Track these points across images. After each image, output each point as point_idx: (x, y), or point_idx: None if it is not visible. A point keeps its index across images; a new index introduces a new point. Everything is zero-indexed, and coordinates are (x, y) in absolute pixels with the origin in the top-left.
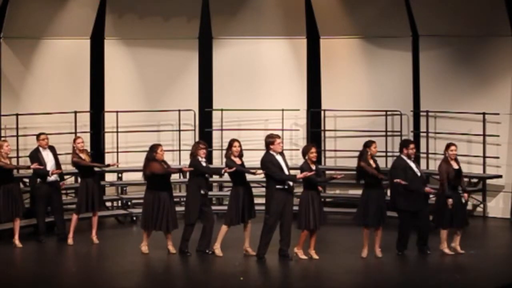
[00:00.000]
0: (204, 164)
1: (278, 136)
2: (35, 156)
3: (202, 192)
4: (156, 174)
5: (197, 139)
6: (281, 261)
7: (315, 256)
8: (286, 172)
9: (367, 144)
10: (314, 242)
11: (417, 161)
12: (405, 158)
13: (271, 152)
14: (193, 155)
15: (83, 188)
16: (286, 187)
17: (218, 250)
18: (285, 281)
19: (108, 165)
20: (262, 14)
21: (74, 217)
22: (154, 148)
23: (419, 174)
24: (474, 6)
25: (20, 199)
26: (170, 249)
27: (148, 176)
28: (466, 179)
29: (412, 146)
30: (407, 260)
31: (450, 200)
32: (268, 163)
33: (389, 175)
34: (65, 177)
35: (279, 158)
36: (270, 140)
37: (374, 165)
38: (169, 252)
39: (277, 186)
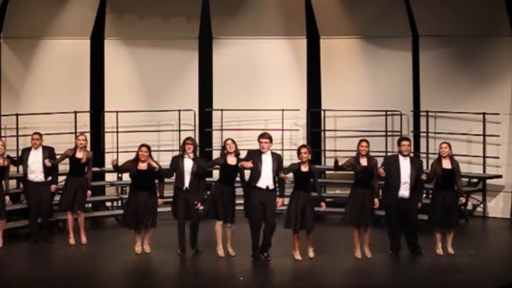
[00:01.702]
0: (189, 160)
1: (264, 135)
2: (22, 155)
3: (178, 188)
4: (132, 174)
5: (197, 139)
6: (281, 261)
7: (311, 255)
8: (264, 172)
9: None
10: (310, 241)
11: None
12: (399, 155)
13: (260, 150)
14: (182, 150)
15: (66, 185)
16: (263, 187)
17: (220, 251)
18: (285, 281)
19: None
20: (262, 14)
21: (68, 215)
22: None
23: (405, 173)
24: (474, 6)
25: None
26: (145, 248)
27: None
28: (465, 179)
29: (403, 143)
30: (406, 260)
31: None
32: (246, 157)
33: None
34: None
35: (264, 157)
36: (258, 138)
37: (365, 164)
38: (143, 251)
39: (251, 184)
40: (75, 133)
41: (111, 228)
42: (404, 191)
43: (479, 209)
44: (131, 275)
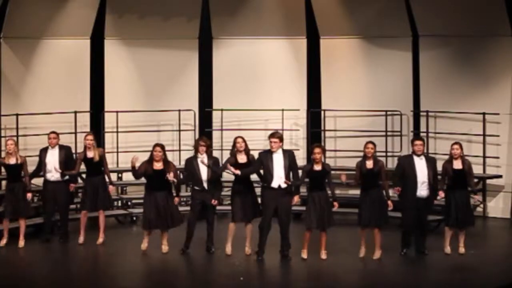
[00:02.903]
0: (203, 160)
1: (273, 135)
2: (40, 155)
3: (196, 188)
4: (148, 175)
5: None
6: (281, 261)
7: (323, 257)
8: (276, 171)
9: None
10: (324, 242)
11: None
12: (413, 155)
13: (270, 149)
14: (195, 151)
15: (86, 186)
16: (275, 186)
17: (228, 249)
18: (285, 281)
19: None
20: (262, 14)
21: (81, 214)
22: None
23: (422, 172)
24: (474, 6)
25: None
26: (163, 248)
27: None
28: None
29: (415, 142)
30: (406, 260)
31: (441, 193)
32: (256, 160)
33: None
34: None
35: (275, 156)
36: (268, 137)
37: (371, 166)
38: (162, 251)
39: (264, 184)
40: (75, 133)
41: (111, 228)
42: (422, 191)
43: (479, 209)
44: (131, 276)
